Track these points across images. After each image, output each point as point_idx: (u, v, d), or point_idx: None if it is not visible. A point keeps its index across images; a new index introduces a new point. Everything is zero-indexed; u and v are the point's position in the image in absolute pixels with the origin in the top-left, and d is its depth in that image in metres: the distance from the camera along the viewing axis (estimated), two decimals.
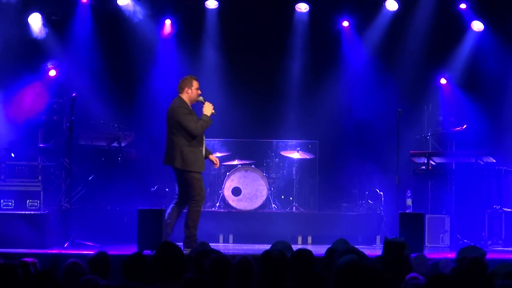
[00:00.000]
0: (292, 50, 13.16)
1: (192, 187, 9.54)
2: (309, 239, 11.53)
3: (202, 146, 9.66)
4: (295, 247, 5.92)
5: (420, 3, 12.76)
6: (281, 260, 5.16)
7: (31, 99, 11.82)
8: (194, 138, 9.55)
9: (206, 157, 9.78)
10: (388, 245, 5.53)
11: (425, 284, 4.40)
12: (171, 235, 9.51)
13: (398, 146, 10.65)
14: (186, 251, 8.88)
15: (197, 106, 9.86)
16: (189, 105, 9.66)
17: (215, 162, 10.02)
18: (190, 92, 9.68)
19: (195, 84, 9.72)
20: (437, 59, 12.85)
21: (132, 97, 12.83)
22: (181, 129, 9.51)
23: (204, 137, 9.71)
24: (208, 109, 9.66)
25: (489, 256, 6.76)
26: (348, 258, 5.01)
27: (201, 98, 9.76)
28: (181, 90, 9.71)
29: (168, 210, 9.68)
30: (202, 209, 9.74)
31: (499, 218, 11.26)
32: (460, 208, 12.06)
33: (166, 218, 9.54)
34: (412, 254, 6.15)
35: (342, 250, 5.35)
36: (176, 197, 9.77)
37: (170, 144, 9.60)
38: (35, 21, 12.07)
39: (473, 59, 12.79)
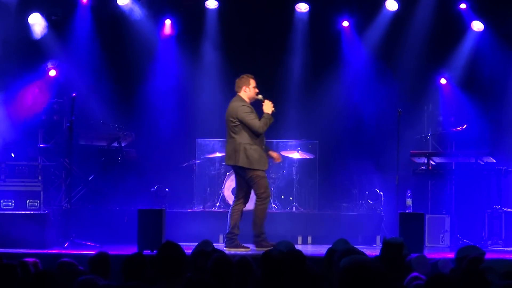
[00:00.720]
0: (292, 50, 13.16)
1: (257, 185, 9.66)
2: (309, 239, 11.52)
3: (263, 144, 9.79)
4: (296, 247, 5.91)
5: (420, 3, 12.76)
6: (281, 260, 5.16)
7: (33, 97, 11.81)
8: (257, 137, 9.64)
9: (266, 154, 9.88)
10: (386, 245, 5.52)
11: (424, 284, 4.39)
12: (172, 236, 9.49)
13: (398, 146, 10.64)
14: (260, 250, 8.96)
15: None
16: (249, 103, 9.74)
17: (276, 158, 10.20)
18: (248, 91, 9.78)
19: (252, 82, 9.81)
20: (437, 59, 12.84)
21: (132, 97, 12.82)
22: (244, 128, 9.61)
23: (264, 136, 9.78)
24: (268, 107, 9.75)
25: (489, 256, 6.76)
26: (352, 258, 5.00)
27: (260, 96, 9.85)
28: (238, 89, 9.81)
29: (230, 211, 9.81)
30: (205, 209, 9.77)
31: (499, 218, 11.26)
32: (460, 208, 12.05)
33: (229, 219, 9.72)
34: (412, 254, 6.14)
35: (342, 250, 5.34)
36: (235, 198, 9.90)
37: (232, 144, 9.67)
38: (35, 21, 12.07)
39: (473, 59, 12.78)
